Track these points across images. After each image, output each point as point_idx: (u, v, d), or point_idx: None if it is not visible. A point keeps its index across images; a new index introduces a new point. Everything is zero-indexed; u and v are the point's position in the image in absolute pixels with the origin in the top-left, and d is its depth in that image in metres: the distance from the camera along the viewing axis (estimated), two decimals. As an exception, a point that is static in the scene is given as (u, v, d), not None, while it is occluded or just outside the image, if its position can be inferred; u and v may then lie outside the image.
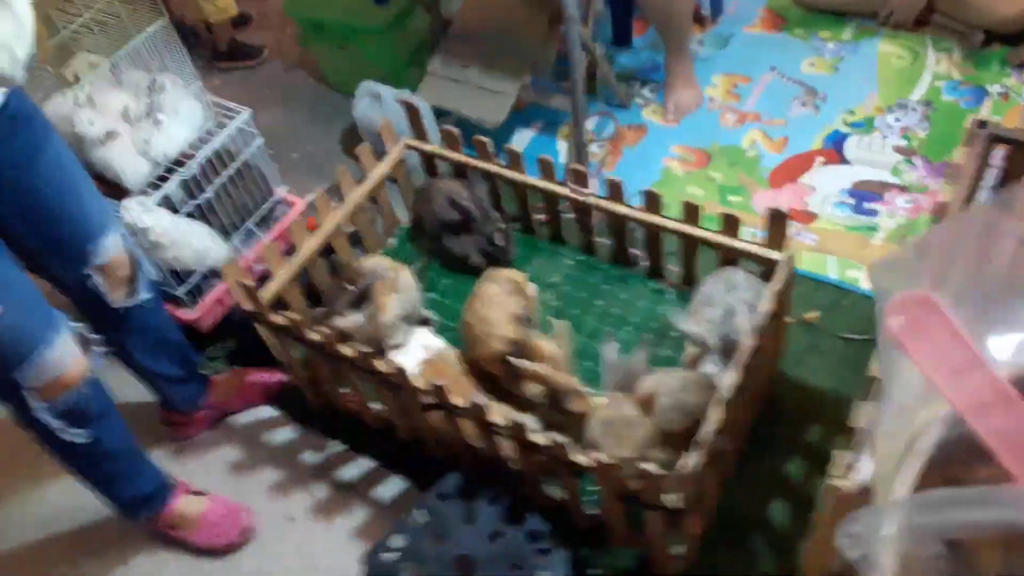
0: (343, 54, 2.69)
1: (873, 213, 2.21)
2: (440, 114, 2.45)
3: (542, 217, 1.99)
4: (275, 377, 1.97)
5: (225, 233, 2.08)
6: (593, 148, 2.50)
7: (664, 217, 1.75)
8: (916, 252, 0.95)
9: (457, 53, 2.47)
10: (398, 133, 2.02)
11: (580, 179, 1.79)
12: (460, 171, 2.01)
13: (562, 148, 2.54)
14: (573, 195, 1.81)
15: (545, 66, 2.47)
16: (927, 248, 0.95)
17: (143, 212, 1.79)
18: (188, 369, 1.86)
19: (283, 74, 3.01)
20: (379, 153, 2.24)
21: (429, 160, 2.04)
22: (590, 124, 2.54)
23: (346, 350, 1.59)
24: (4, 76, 1.12)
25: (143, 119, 1.86)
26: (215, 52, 3.02)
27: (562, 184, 1.83)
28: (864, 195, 2.25)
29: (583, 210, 1.86)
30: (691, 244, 1.76)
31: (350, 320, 1.71)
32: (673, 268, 1.88)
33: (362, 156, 1.94)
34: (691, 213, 1.70)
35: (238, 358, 2.09)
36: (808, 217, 2.23)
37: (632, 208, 1.78)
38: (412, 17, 2.60)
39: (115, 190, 1.86)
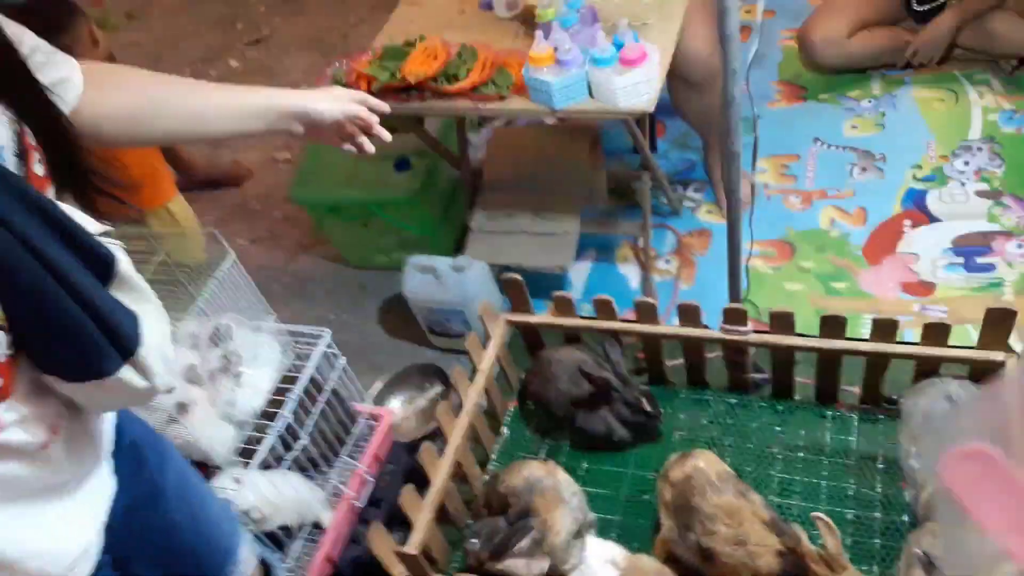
0: (364, 230, 2.46)
1: (989, 268, 2.06)
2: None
3: (679, 363, 1.76)
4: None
5: (315, 467, 1.79)
6: (660, 264, 2.31)
7: (848, 339, 1.53)
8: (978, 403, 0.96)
9: (498, 203, 2.27)
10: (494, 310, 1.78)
11: (738, 318, 1.57)
12: (572, 338, 1.77)
13: (627, 272, 2.34)
14: (731, 337, 1.59)
15: (600, 195, 2.28)
16: (990, 399, 0.93)
17: (240, 491, 1.50)
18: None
19: (289, 263, 2.74)
20: (452, 333, 2.01)
21: (533, 333, 1.80)
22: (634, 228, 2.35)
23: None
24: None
25: (218, 376, 1.57)
26: None
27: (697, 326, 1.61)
28: (971, 250, 2.11)
29: (738, 349, 1.64)
30: (882, 361, 1.55)
31: (535, 568, 1.41)
32: (850, 389, 1.66)
33: (471, 348, 1.68)
34: (886, 331, 1.49)
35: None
36: (925, 289, 2.06)
37: (803, 337, 1.56)
38: (438, 175, 2.39)
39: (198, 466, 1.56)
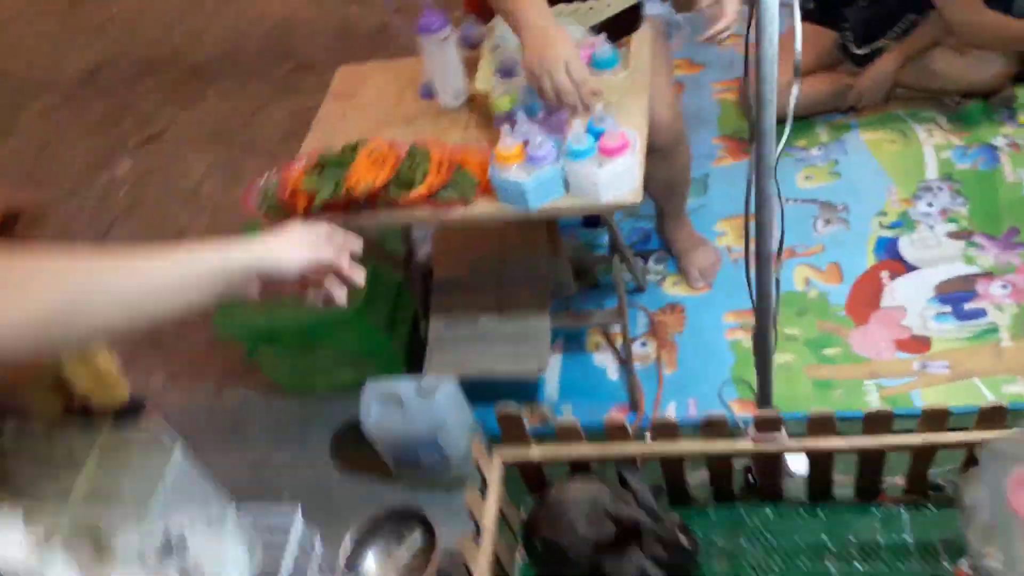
0: (304, 358, 2.19)
1: (980, 313, 1.98)
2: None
3: (703, 476, 1.58)
4: None
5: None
6: (636, 347, 2.14)
7: (893, 433, 1.39)
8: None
9: (455, 306, 2.06)
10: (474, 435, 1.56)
11: (771, 425, 1.41)
12: (579, 467, 1.57)
13: (603, 362, 2.16)
14: (763, 447, 1.42)
15: (566, 284, 2.10)
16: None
17: None
18: None
19: (217, 398, 2.43)
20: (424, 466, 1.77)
21: (535, 471, 1.58)
22: (610, 318, 2.18)
23: None
24: None
25: (181, 582, 1.29)
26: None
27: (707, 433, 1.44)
28: (957, 297, 2.02)
29: (771, 458, 1.48)
30: (930, 452, 1.41)
31: None
32: (895, 481, 1.52)
33: (472, 505, 1.46)
34: (936, 420, 1.35)
35: None
36: (921, 344, 1.96)
37: (845, 438, 1.41)
38: (379, 283, 2.15)
39: None
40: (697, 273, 2.24)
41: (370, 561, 1.81)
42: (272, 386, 2.36)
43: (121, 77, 4.05)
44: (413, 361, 2.27)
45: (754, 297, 1.36)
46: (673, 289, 2.26)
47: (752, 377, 1.99)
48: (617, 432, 1.48)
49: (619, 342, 2.16)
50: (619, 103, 1.65)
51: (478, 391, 1.98)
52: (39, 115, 3.94)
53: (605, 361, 2.16)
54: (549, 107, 1.56)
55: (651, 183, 2.12)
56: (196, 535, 1.33)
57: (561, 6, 1.79)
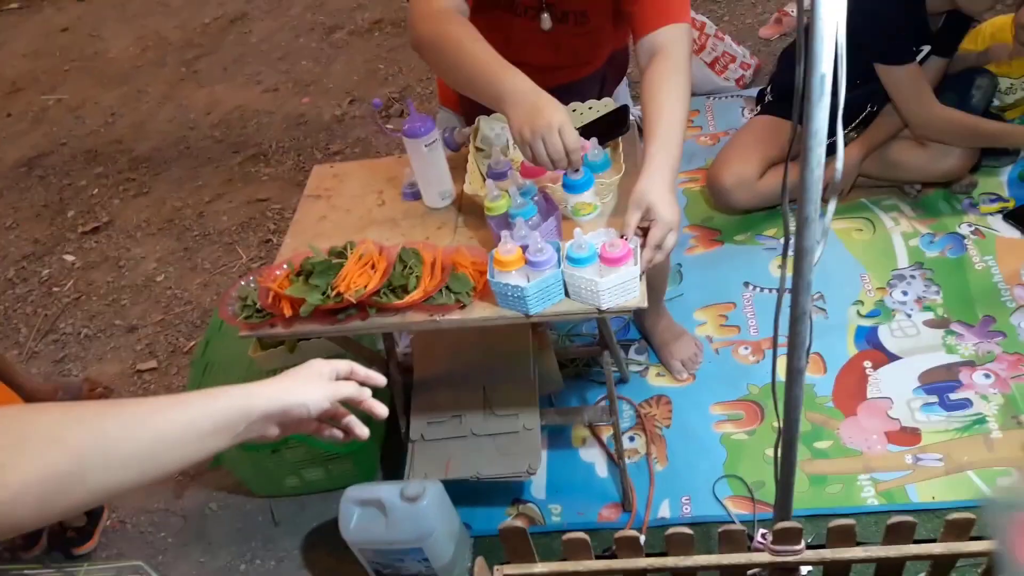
0: (274, 457, 2.08)
1: (965, 404, 1.99)
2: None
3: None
4: None
5: None
6: (625, 442, 2.09)
7: (916, 542, 1.35)
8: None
9: (439, 406, 1.98)
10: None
11: (791, 538, 1.36)
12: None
13: (590, 457, 2.10)
14: (784, 559, 1.37)
15: (554, 379, 2.05)
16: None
17: None
18: None
19: (178, 500, 2.28)
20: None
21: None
22: (601, 415, 2.13)
23: None
24: None
25: None
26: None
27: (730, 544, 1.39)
28: (941, 387, 2.03)
29: (788, 570, 1.42)
30: (951, 561, 1.38)
31: None
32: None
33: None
34: (960, 529, 1.32)
35: None
36: (911, 437, 1.96)
37: (865, 549, 1.37)
38: (359, 382, 2.06)
39: None
40: (679, 365, 2.22)
41: None
42: (238, 487, 2.24)
43: (62, 167, 3.92)
44: (390, 462, 2.18)
45: (779, 409, 1.32)
46: (657, 380, 2.23)
47: (745, 472, 1.97)
48: (627, 544, 1.41)
49: (606, 436, 2.11)
50: (614, 206, 1.64)
51: (461, 489, 1.90)
52: (-25, 205, 3.77)
53: (593, 457, 2.09)
54: (540, 209, 1.53)
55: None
56: None
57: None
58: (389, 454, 2.18)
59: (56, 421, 0.73)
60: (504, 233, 1.46)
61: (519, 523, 1.42)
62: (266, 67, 4.29)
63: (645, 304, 1.47)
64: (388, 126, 1.68)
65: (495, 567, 1.49)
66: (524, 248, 1.46)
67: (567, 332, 2.40)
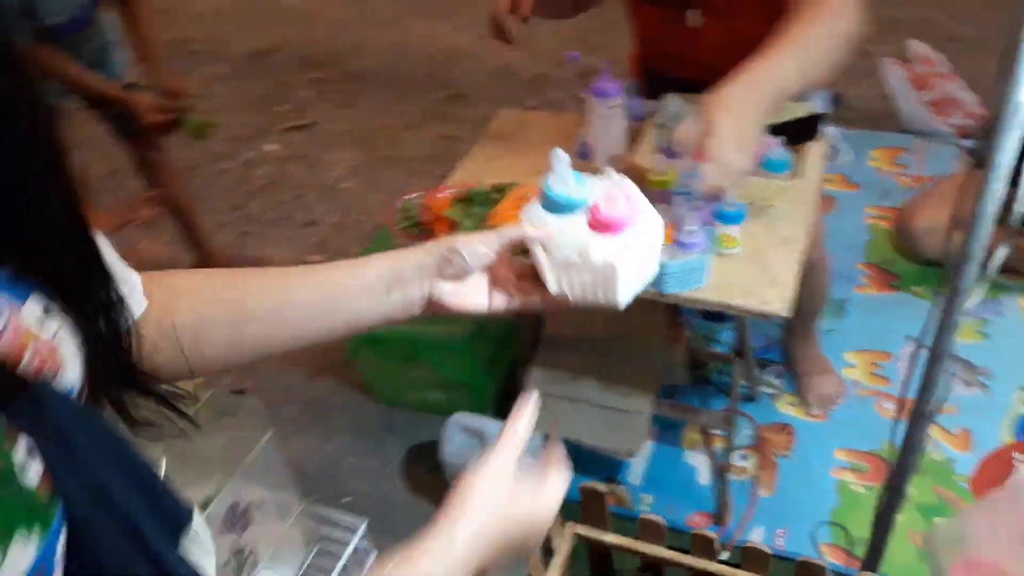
0: (402, 368, 2.18)
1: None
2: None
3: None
4: None
5: None
6: (735, 458, 2.03)
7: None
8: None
9: (560, 364, 1.99)
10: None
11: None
12: (650, 566, 1.47)
13: (695, 462, 2.05)
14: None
15: (678, 373, 2.02)
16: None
17: None
18: None
19: (306, 383, 2.44)
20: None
21: (604, 554, 1.50)
22: (717, 422, 2.07)
23: None
24: None
25: (229, 577, 1.26)
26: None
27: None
28: (1098, 500, 1.82)
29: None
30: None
31: None
32: None
33: (532, 570, 1.38)
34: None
35: None
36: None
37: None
38: (492, 321, 2.13)
39: None
40: (816, 399, 2.12)
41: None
42: (364, 388, 2.36)
43: (284, 65, 4.21)
44: (504, 404, 2.22)
45: (899, 450, 1.25)
46: (786, 408, 2.14)
47: (852, 525, 1.86)
48: (702, 544, 1.38)
49: (718, 447, 2.06)
50: (782, 211, 1.58)
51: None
52: (204, 81, 4.12)
53: (698, 462, 2.05)
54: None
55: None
56: (261, 517, 1.30)
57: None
58: (505, 397, 2.22)
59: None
60: (660, 207, 1.44)
61: (602, 488, 1.42)
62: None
63: (788, 313, 1.41)
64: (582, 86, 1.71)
65: (568, 523, 1.50)
66: (676, 227, 1.44)
67: (706, 334, 2.34)
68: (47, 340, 0.53)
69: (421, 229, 1.67)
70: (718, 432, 2.04)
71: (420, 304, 0.80)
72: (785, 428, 2.09)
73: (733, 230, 1.52)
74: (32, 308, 0.52)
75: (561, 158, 0.77)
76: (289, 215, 3.19)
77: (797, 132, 1.62)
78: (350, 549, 1.40)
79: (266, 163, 3.52)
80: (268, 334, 0.77)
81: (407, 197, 1.78)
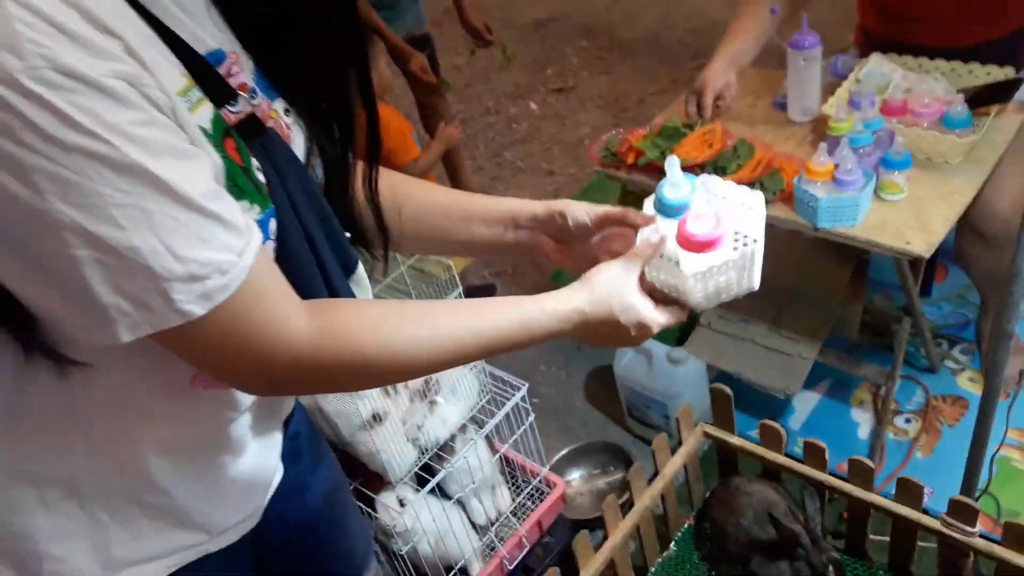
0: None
1: None
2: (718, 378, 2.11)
3: (885, 540, 1.55)
4: None
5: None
6: (899, 421, 2.07)
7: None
8: None
9: (735, 306, 2.15)
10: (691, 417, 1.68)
11: (965, 515, 1.36)
12: (771, 473, 1.63)
13: (859, 418, 2.12)
14: (950, 533, 1.38)
15: (850, 328, 2.10)
16: None
17: (404, 512, 1.52)
18: None
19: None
20: (649, 422, 1.91)
21: (731, 454, 1.67)
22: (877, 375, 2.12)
23: None
24: None
25: (416, 399, 1.62)
26: None
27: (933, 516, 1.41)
28: None
29: (957, 550, 1.42)
30: None
31: None
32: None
33: (657, 449, 1.60)
34: None
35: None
36: None
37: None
38: (682, 260, 2.33)
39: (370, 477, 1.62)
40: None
41: (574, 474, 2.07)
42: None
43: (559, 32, 4.59)
44: (683, 339, 2.42)
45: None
46: (967, 384, 2.13)
47: (1006, 498, 1.86)
48: (814, 453, 1.51)
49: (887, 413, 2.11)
50: (958, 167, 1.64)
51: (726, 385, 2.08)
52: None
53: (861, 419, 2.12)
54: (878, 142, 1.60)
55: (973, 269, 2.04)
56: None
57: (940, 61, 1.79)
58: (685, 332, 2.41)
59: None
60: (822, 145, 1.58)
61: (728, 391, 1.60)
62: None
63: (926, 254, 1.49)
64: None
65: (699, 423, 1.69)
66: (836, 166, 1.57)
67: (897, 305, 2.36)
68: (286, 121, 0.84)
69: (615, 158, 1.93)
70: (876, 383, 2.09)
71: (528, 248, 0.97)
72: (959, 401, 2.09)
73: (897, 177, 1.61)
74: (279, 104, 0.84)
75: (673, 163, 0.87)
76: (535, 166, 3.56)
77: (987, 96, 1.66)
78: (511, 403, 1.70)
79: (526, 119, 3.92)
80: (417, 231, 1.01)
81: (612, 133, 2.04)
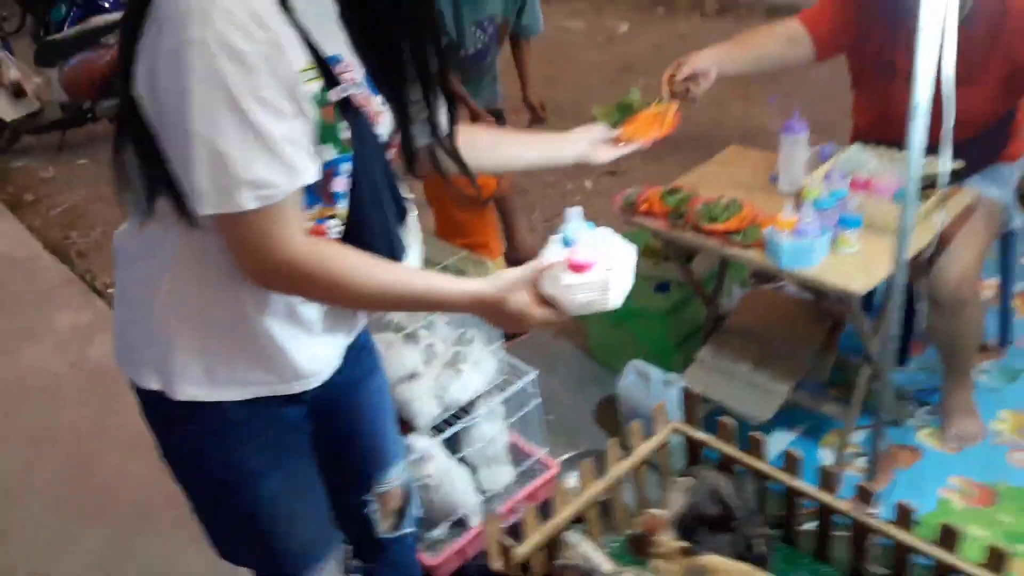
0: (614, 332, 2.83)
1: None
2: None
3: (810, 528, 1.87)
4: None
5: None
6: (861, 462, 2.37)
7: (962, 559, 1.58)
8: None
9: (729, 346, 2.52)
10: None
11: (866, 498, 1.68)
12: (726, 465, 1.97)
13: (824, 456, 2.43)
14: (853, 513, 1.70)
15: (822, 374, 2.44)
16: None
17: (425, 453, 1.90)
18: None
19: (550, 341, 3.18)
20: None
21: (695, 448, 2.02)
22: (858, 437, 2.43)
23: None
24: None
25: (446, 365, 2.03)
26: None
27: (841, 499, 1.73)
28: None
29: (861, 530, 1.73)
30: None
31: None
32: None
33: (632, 433, 1.96)
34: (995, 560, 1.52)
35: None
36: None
37: (922, 541, 1.63)
38: (688, 307, 2.72)
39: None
40: (953, 434, 2.39)
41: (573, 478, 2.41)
42: (587, 349, 3.03)
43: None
44: (682, 360, 2.74)
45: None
46: (924, 438, 2.43)
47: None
48: (756, 445, 1.86)
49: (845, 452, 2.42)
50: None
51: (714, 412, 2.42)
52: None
53: (826, 457, 2.42)
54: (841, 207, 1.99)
55: (934, 337, 2.36)
56: (473, 334, 2.07)
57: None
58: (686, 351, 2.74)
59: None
60: (788, 205, 1.97)
61: (696, 393, 1.96)
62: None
63: (863, 293, 1.85)
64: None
65: (672, 423, 2.05)
66: (799, 220, 1.96)
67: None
68: (380, 110, 1.29)
69: (634, 209, 2.34)
70: (835, 418, 2.39)
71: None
72: (914, 450, 2.39)
73: (850, 234, 1.99)
74: (379, 98, 1.29)
75: (575, 212, 1.22)
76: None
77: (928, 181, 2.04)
78: (519, 385, 2.09)
79: (579, 194, 4.38)
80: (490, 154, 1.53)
81: (630, 190, 2.46)
